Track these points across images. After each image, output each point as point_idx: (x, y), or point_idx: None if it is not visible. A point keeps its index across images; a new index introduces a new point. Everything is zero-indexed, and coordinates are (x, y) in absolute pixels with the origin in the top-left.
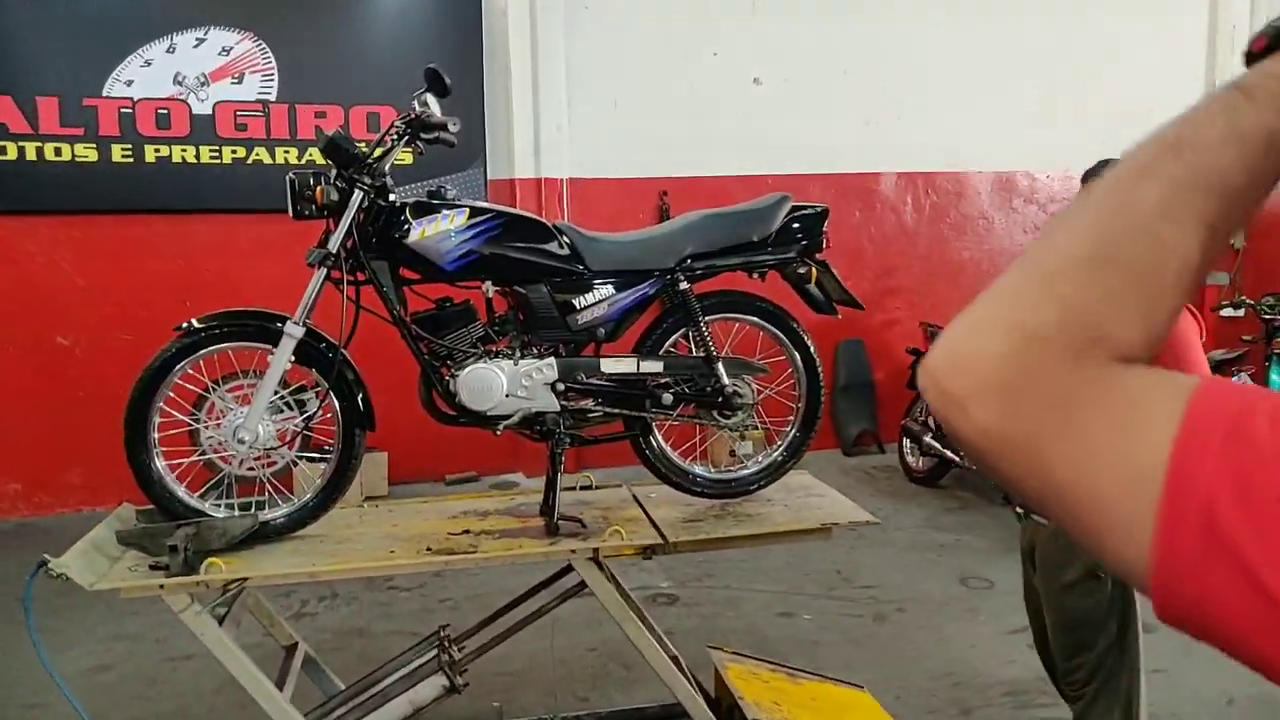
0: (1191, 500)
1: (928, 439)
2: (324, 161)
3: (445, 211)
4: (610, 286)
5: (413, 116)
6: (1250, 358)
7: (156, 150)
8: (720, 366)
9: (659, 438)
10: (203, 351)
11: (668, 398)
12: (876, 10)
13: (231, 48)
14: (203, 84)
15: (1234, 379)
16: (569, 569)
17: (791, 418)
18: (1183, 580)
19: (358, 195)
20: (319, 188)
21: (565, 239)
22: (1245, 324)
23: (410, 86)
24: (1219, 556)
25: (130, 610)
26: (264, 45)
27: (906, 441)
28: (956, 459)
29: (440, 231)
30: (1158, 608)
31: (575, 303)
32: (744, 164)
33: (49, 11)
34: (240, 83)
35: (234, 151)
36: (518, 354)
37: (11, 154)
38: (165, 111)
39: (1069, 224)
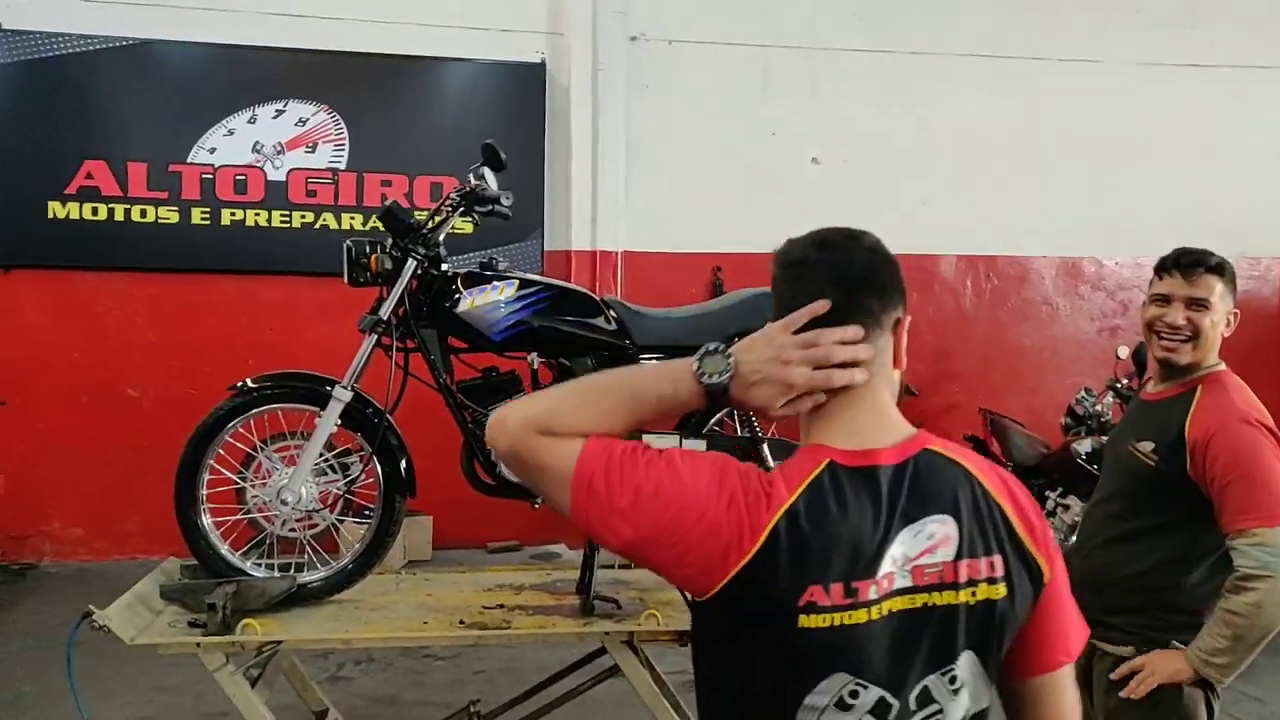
0: (582, 477)
1: None
2: (382, 230)
3: (495, 283)
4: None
5: (468, 189)
6: None
7: (232, 214)
8: (765, 449)
9: None
10: (254, 411)
11: None
12: (935, 91)
13: (308, 119)
14: (279, 152)
15: None
16: (604, 649)
17: None
18: (583, 511)
19: (411, 264)
20: (374, 255)
21: (612, 313)
22: None
23: (473, 158)
24: (593, 498)
25: (173, 663)
26: (338, 117)
27: None
28: None
29: (489, 302)
30: (576, 521)
31: None
32: None
33: (145, 83)
34: (313, 151)
35: (303, 216)
36: None
37: (103, 214)
38: (243, 178)
39: (579, 383)
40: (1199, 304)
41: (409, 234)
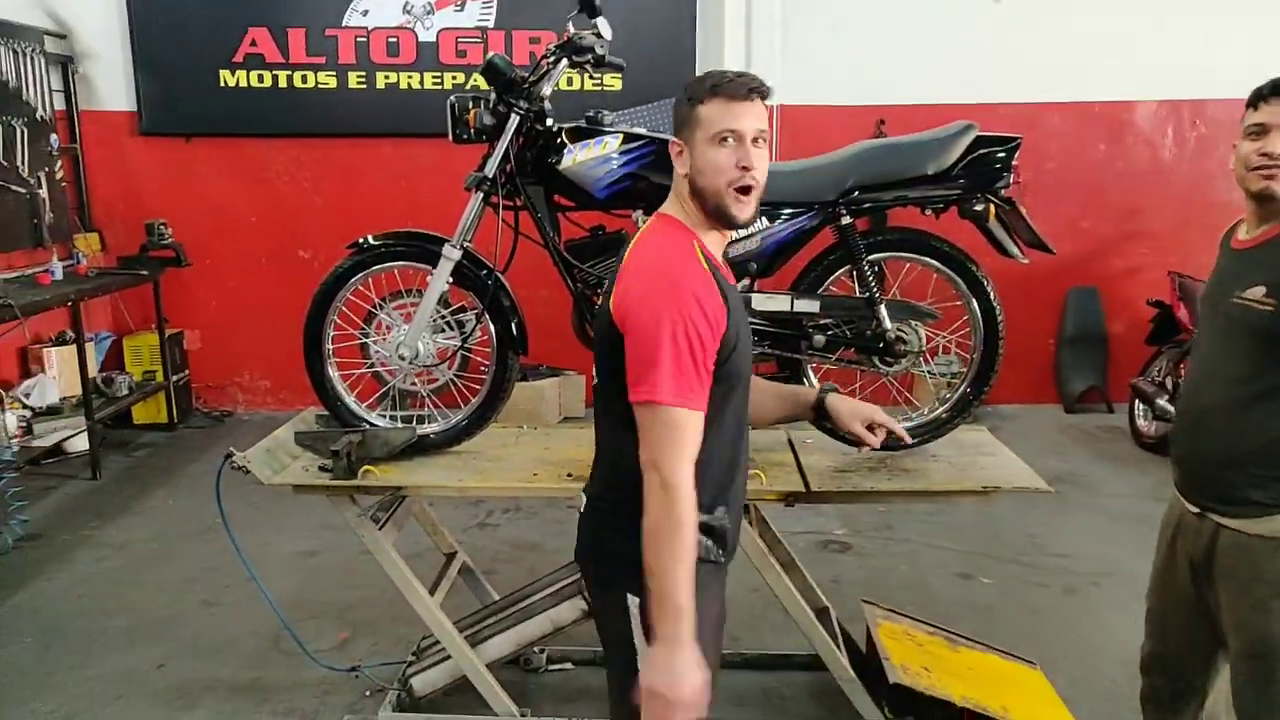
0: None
1: (1161, 401)
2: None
3: (600, 137)
4: (764, 219)
5: (565, 39)
6: None
7: (386, 77)
8: (883, 309)
9: (813, 378)
10: (372, 269)
11: (820, 339)
12: None
13: None
14: (428, 12)
15: None
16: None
17: (964, 370)
18: None
19: (514, 120)
20: (473, 111)
21: None
22: None
23: (623, 5)
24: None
25: (339, 504)
26: None
27: (1138, 402)
28: None
29: (593, 157)
30: None
31: None
32: (974, 92)
33: None
34: (462, 10)
35: (454, 78)
36: None
37: (268, 81)
38: (395, 40)
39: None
40: None
41: (512, 88)
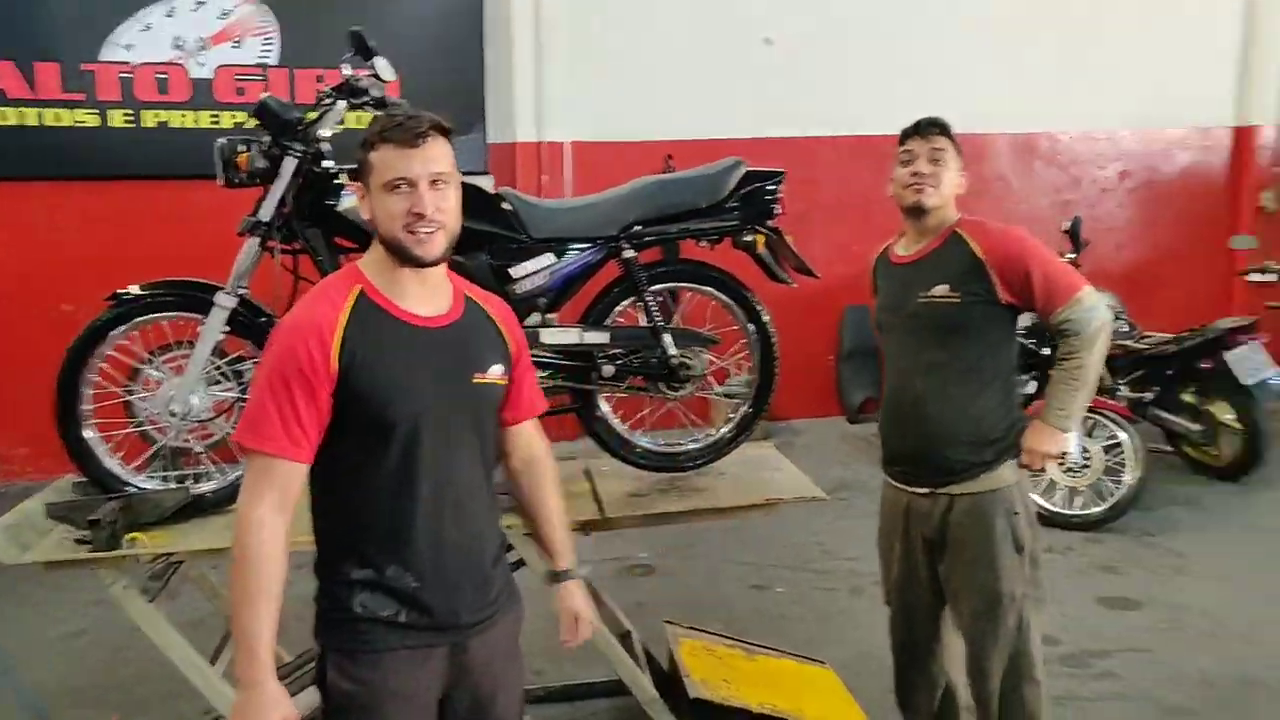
0: None
1: None
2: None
3: None
4: (551, 255)
5: (341, 82)
6: (1268, 325)
7: (156, 115)
8: (667, 338)
9: (605, 407)
10: (135, 321)
11: (609, 369)
12: None
13: (231, 10)
14: (202, 48)
15: (1240, 349)
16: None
17: (744, 391)
18: None
19: (289, 163)
20: (244, 154)
21: (507, 206)
22: (1273, 290)
23: (410, 47)
24: None
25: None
26: (265, 9)
27: None
28: None
29: None
30: None
31: (513, 271)
32: (753, 126)
33: None
34: (239, 47)
35: (234, 117)
36: None
37: (12, 119)
38: (164, 76)
39: None
40: (937, 155)
41: (287, 130)
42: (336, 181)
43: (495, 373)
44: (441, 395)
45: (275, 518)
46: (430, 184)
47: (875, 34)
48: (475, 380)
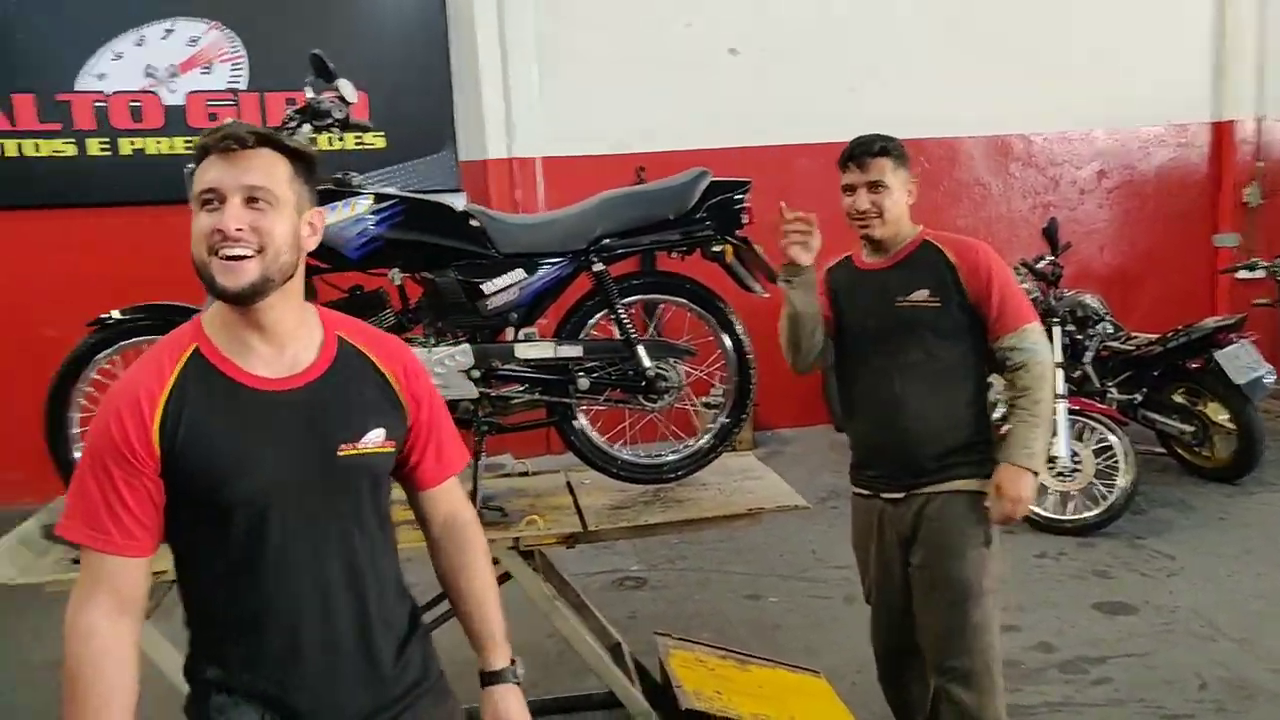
0: None
1: None
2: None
3: (349, 199)
4: (520, 270)
5: (303, 105)
6: (1255, 323)
7: (131, 143)
8: (641, 350)
9: (583, 421)
10: (118, 345)
11: (584, 382)
12: None
13: (199, 38)
14: (173, 75)
15: (1230, 347)
16: (529, 554)
17: (722, 401)
18: None
19: None
20: None
21: (474, 222)
22: (1260, 287)
23: (378, 67)
24: None
25: None
26: (231, 34)
27: None
28: None
29: (343, 219)
30: None
31: (484, 288)
32: (724, 137)
33: (14, 10)
34: (209, 72)
35: None
36: (431, 341)
37: None
38: (138, 104)
39: None
40: (877, 186)
41: None
42: None
43: (373, 439)
44: (293, 473)
45: (110, 624)
46: (245, 200)
47: (843, 40)
48: (342, 453)
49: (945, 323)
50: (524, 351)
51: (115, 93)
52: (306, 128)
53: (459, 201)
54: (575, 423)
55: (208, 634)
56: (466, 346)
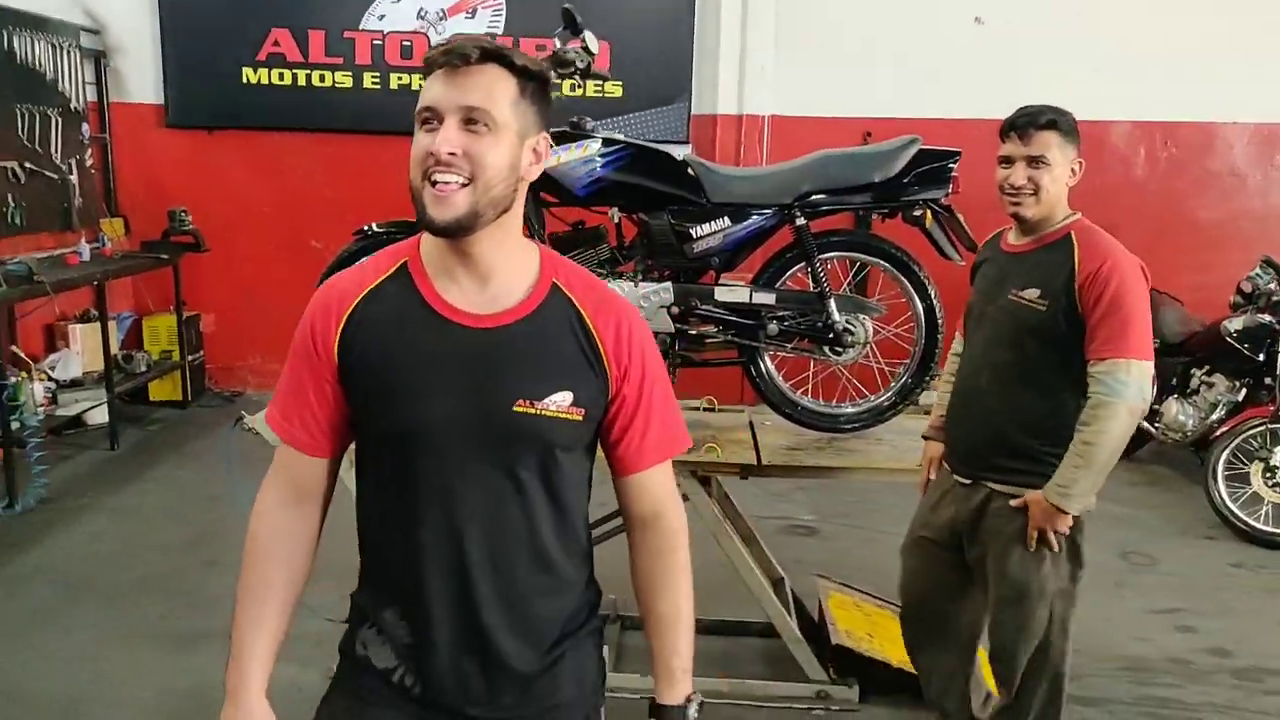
0: None
1: None
2: None
3: (581, 140)
4: (727, 218)
5: (550, 53)
6: None
7: (399, 79)
8: (832, 303)
9: (769, 366)
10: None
11: (773, 328)
12: None
13: None
14: (441, 18)
15: None
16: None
17: (907, 361)
18: None
19: None
20: None
21: (690, 171)
22: None
23: (625, 19)
24: None
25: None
26: None
27: None
28: (1153, 431)
29: (574, 159)
30: None
31: (692, 232)
32: (956, 107)
33: None
34: (473, 17)
35: None
36: (639, 277)
37: (288, 80)
38: (409, 44)
39: None
40: (1038, 162)
41: None
42: None
43: (557, 402)
44: (459, 420)
45: (284, 511)
46: (463, 121)
47: (1091, 16)
48: (517, 409)
49: (1048, 327)
50: (722, 294)
51: (391, 32)
52: (551, 74)
53: (681, 152)
54: (762, 365)
55: (364, 558)
56: (669, 285)
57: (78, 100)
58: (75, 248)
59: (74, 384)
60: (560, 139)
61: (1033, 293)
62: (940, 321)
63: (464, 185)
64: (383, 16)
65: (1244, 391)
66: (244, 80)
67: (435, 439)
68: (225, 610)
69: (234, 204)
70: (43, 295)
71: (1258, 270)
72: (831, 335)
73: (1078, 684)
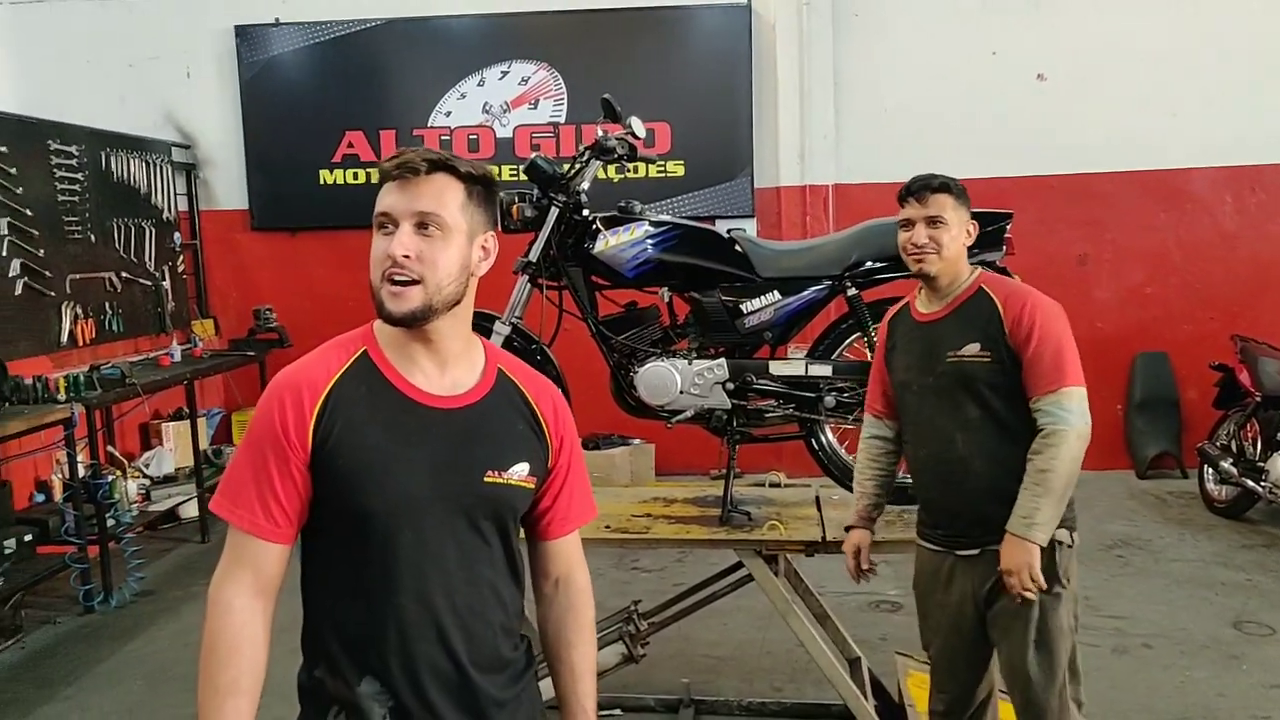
0: None
1: (1225, 465)
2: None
3: (629, 224)
4: (777, 292)
5: (594, 143)
6: None
7: None
8: None
9: (830, 438)
10: None
11: (831, 400)
12: None
13: (529, 78)
14: (505, 111)
15: None
16: (773, 559)
17: None
18: None
19: (554, 212)
20: (515, 205)
21: (738, 248)
22: None
23: (683, 100)
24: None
25: None
26: (556, 74)
27: (1206, 467)
28: (1260, 490)
29: (622, 242)
30: None
31: (743, 307)
32: (1025, 165)
33: (390, 58)
34: (535, 108)
35: None
36: (693, 355)
37: (363, 179)
38: (475, 137)
39: None
40: (935, 221)
41: (551, 184)
42: (594, 228)
43: (517, 473)
44: (437, 492)
45: (248, 602)
46: (416, 226)
47: (1158, 64)
48: (488, 479)
49: (1000, 377)
50: (777, 368)
51: (458, 127)
52: (596, 162)
53: (750, 228)
54: (824, 439)
55: (330, 640)
56: (723, 361)
57: (170, 210)
58: (168, 349)
59: (167, 479)
60: (610, 223)
61: (973, 347)
62: None
63: (417, 283)
64: (449, 113)
65: None
66: (321, 182)
67: (418, 510)
68: None
69: (315, 300)
70: (135, 397)
71: None
72: None
73: None
